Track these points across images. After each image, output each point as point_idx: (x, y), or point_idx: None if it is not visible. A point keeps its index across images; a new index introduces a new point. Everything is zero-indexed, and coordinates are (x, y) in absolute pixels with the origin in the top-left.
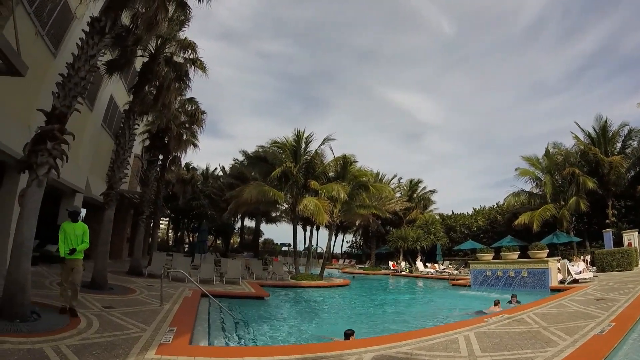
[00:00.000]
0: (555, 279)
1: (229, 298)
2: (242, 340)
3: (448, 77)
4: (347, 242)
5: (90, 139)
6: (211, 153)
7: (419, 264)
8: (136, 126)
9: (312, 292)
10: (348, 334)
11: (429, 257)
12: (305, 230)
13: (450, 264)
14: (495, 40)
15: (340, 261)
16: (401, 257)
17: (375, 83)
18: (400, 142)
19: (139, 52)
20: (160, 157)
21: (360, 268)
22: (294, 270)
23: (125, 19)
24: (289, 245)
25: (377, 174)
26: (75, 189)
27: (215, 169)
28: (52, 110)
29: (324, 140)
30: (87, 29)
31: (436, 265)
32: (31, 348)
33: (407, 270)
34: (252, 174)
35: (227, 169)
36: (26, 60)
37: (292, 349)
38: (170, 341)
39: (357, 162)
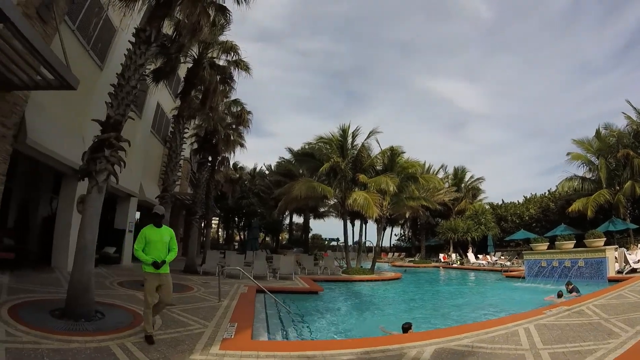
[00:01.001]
0: (612, 268)
1: (284, 293)
2: (300, 335)
3: (490, 63)
4: (395, 235)
5: (141, 145)
6: (255, 152)
7: (470, 255)
8: (185, 130)
9: (365, 286)
10: (406, 328)
11: (480, 248)
12: (353, 225)
13: (502, 255)
14: (535, 23)
15: (390, 254)
16: (451, 249)
17: (415, 73)
18: (444, 132)
19: (183, 59)
20: (209, 158)
21: (410, 261)
22: (345, 265)
23: (167, 28)
24: (337, 240)
25: (423, 164)
26: (130, 193)
27: (261, 167)
28: (107, 120)
29: (370, 133)
30: (131, 39)
31: (488, 256)
32: (98, 346)
33: (458, 262)
34: (300, 170)
35: (272, 166)
36: (75, 74)
37: (353, 342)
38: (232, 336)
39: (404, 153)
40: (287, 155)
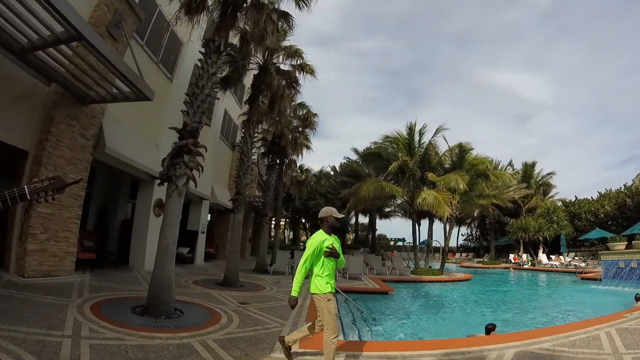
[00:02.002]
0: None
1: (354, 293)
2: (373, 336)
3: (552, 50)
4: (462, 235)
5: (211, 150)
6: (319, 154)
7: (542, 256)
8: (256, 135)
9: (434, 286)
10: (489, 329)
11: (552, 248)
12: (419, 224)
13: (576, 256)
14: (594, 3)
15: (457, 255)
16: (521, 249)
17: (475, 67)
18: (509, 126)
19: (249, 66)
20: (277, 161)
21: (478, 262)
22: (414, 265)
23: (232, 37)
24: (402, 240)
25: (491, 161)
26: (202, 196)
27: (326, 168)
28: (184, 127)
29: (436, 130)
30: (198, 50)
31: (561, 257)
32: (180, 343)
33: (529, 263)
34: (366, 170)
35: (337, 167)
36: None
37: (433, 343)
38: (310, 336)
39: (473, 149)
40: (353, 156)
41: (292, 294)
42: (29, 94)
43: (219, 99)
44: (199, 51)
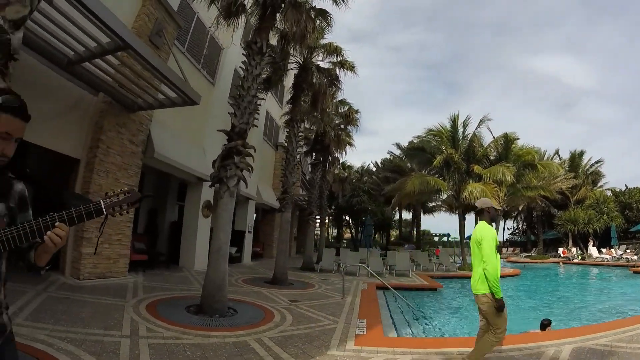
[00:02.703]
0: None
1: (402, 290)
2: (425, 332)
3: (593, 31)
4: (508, 229)
5: (256, 151)
6: (360, 150)
7: (592, 249)
8: (300, 134)
9: None
10: (545, 324)
11: (602, 241)
12: (464, 219)
13: (627, 249)
14: None
15: (504, 250)
16: (570, 242)
17: (514, 54)
18: (552, 114)
19: (290, 66)
20: (321, 159)
21: (525, 256)
22: (461, 261)
23: (271, 38)
24: (447, 235)
25: (538, 151)
26: (248, 197)
27: (368, 165)
28: (232, 129)
29: (480, 121)
30: (236, 54)
31: (612, 250)
32: (236, 341)
33: (579, 257)
34: (409, 165)
35: (379, 163)
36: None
37: None
38: (364, 332)
39: (518, 139)
40: (395, 151)
41: (498, 296)
42: (78, 104)
43: (264, 99)
44: (242, 54)
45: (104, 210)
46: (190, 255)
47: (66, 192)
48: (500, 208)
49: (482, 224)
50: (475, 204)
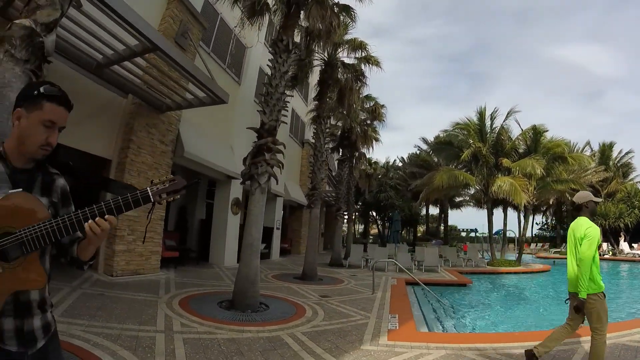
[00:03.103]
0: None
1: (431, 285)
2: (455, 328)
3: (618, 17)
4: (537, 223)
5: (285, 147)
6: (385, 146)
7: (624, 244)
8: (327, 130)
9: (512, 278)
10: None
11: (634, 235)
12: (492, 214)
13: None
14: None
15: (532, 245)
16: (601, 237)
17: (537, 44)
18: (578, 105)
19: (314, 62)
20: (347, 155)
21: (555, 252)
22: (489, 256)
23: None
24: (475, 230)
25: (567, 143)
26: (276, 194)
27: (394, 160)
28: (262, 126)
29: (508, 113)
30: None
31: None
32: (269, 336)
33: (610, 252)
34: (436, 160)
35: (405, 158)
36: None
37: (522, 335)
38: (397, 327)
39: (547, 131)
40: (422, 146)
41: (581, 296)
42: (108, 107)
43: (292, 96)
44: (269, 51)
45: (151, 197)
46: (220, 251)
47: (114, 182)
48: (599, 200)
49: (584, 220)
50: (573, 200)
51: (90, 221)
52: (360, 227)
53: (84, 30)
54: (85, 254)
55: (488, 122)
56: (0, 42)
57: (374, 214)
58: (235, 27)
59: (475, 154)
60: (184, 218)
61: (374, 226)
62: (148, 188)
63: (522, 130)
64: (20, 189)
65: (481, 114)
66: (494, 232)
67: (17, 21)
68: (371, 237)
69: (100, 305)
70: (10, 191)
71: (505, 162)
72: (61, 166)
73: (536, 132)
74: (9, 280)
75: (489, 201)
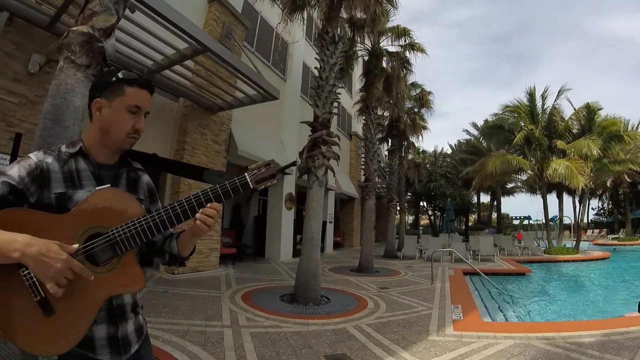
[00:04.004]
0: None
1: (490, 275)
2: (518, 317)
3: None
4: (592, 209)
5: (340, 140)
6: (431, 134)
7: None
8: (377, 121)
9: (571, 266)
10: None
11: None
12: (545, 200)
13: None
14: None
15: (588, 232)
16: None
17: (583, 18)
18: (631, 80)
19: (358, 53)
20: (396, 145)
21: (613, 238)
22: (546, 244)
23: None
24: (528, 217)
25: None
26: (328, 187)
27: (442, 148)
28: (315, 119)
29: (559, 92)
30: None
31: None
32: (335, 328)
33: None
34: (486, 145)
35: (454, 145)
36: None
37: (591, 324)
38: (461, 318)
39: (601, 109)
40: (471, 131)
41: None
42: (162, 111)
43: (344, 87)
44: (312, 46)
45: (249, 183)
46: (276, 247)
47: (207, 170)
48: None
49: None
50: None
51: (201, 210)
52: (410, 218)
53: (133, 38)
54: (187, 249)
55: (539, 103)
56: (59, 50)
57: (424, 204)
58: (279, 23)
59: (528, 137)
60: (238, 216)
61: (424, 216)
62: (246, 174)
63: (574, 109)
64: (108, 185)
65: (531, 95)
66: (550, 218)
67: (74, 28)
68: (421, 227)
69: (166, 302)
70: (97, 188)
71: (560, 143)
72: (146, 158)
73: (590, 111)
74: (105, 285)
75: (543, 186)
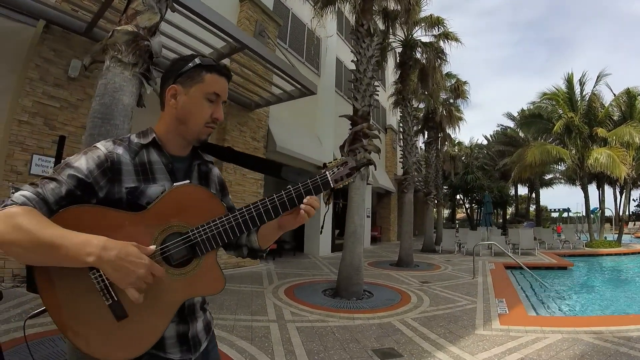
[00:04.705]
0: None
1: (531, 269)
2: (562, 312)
3: None
4: (633, 200)
5: (381, 132)
6: (464, 125)
7: None
8: (414, 113)
9: (614, 260)
10: None
11: None
12: (585, 191)
13: None
14: None
15: (630, 224)
16: None
17: None
18: None
19: (392, 45)
20: (432, 137)
21: None
22: (587, 237)
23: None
24: (568, 210)
25: None
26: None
27: (477, 139)
28: (355, 112)
29: (597, 77)
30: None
31: None
32: (380, 322)
33: None
34: (523, 135)
35: (489, 137)
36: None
37: (637, 318)
38: (507, 312)
39: None
40: (507, 122)
41: None
42: None
43: (381, 79)
44: (352, 38)
45: (330, 182)
46: (315, 242)
47: (286, 167)
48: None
49: None
50: None
51: (305, 201)
52: (446, 212)
53: (169, 38)
54: (269, 242)
55: (577, 89)
56: (103, 51)
57: (461, 197)
58: (312, 18)
59: (568, 125)
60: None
61: (460, 210)
62: (327, 172)
63: (614, 95)
64: (188, 181)
65: (569, 81)
66: (591, 209)
67: (118, 27)
68: (457, 221)
69: (211, 297)
70: (175, 184)
71: (601, 131)
72: (220, 151)
73: (630, 97)
74: (184, 287)
75: (584, 176)
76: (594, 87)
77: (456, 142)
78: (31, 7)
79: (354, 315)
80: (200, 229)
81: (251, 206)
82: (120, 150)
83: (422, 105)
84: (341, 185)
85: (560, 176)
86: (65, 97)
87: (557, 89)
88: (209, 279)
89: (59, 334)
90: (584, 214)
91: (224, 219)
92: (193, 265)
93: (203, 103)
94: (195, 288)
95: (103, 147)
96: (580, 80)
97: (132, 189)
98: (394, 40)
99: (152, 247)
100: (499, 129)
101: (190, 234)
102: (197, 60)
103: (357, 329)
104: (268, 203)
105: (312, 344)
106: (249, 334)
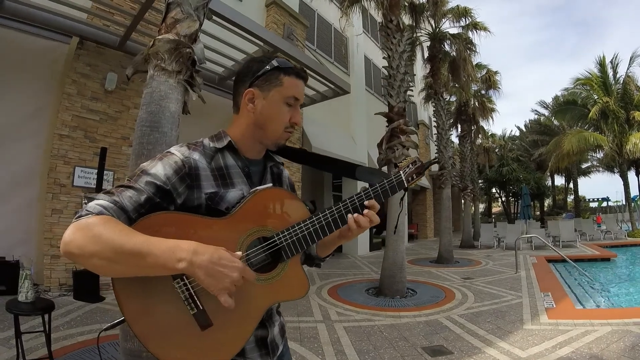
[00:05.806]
0: None
1: (574, 261)
2: (608, 304)
3: None
4: None
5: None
6: (497, 116)
7: None
8: (447, 106)
9: None
10: None
11: None
12: (625, 178)
13: None
14: None
15: None
16: None
17: None
18: None
19: (420, 39)
20: (466, 130)
21: None
22: (628, 227)
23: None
24: (607, 199)
25: None
26: None
27: (511, 130)
28: (390, 109)
29: (630, 58)
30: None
31: None
32: (427, 320)
33: None
34: (558, 123)
35: (523, 127)
36: None
37: None
38: (554, 306)
39: None
40: (540, 110)
41: None
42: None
43: (415, 74)
44: (381, 34)
45: (405, 182)
46: (353, 242)
47: (359, 167)
48: None
49: None
50: None
51: (366, 211)
52: (481, 206)
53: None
54: (329, 250)
55: (610, 72)
56: (145, 60)
57: (497, 190)
58: (340, 18)
59: (603, 110)
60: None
61: (496, 203)
62: (401, 172)
63: None
64: (270, 184)
65: (602, 64)
66: (632, 196)
67: (159, 36)
68: (494, 215)
69: None
70: (258, 187)
71: (638, 115)
72: (295, 153)
73: None
74: (269, 292)
75: (623, 163)
76: (628, 69)
77: (489, 134)
78: (63, 24)
79: (400, 314)
80: (286, 233)
81: (333, 208)
82: (196, 156)
83: (453, 99)
84: (412, 184)
85: (598, 164)
86: (104, 110)
87: (590, 73)
88: (294, 283)
89: (105, 341)
90: (624, 203)
91: (307, 221)
92: (278, 270)
93: (282, 107)
94: (279, 293)
95: (178, 152)
96: (612, 62)
97: (212, 194)
98: (422, 34)
99: (239, 252)
100: (533, 117)
101: (276, 238)
102: (274, 62)
103: (404, 327)
104: (349, 204)
105: (361, 343)
106: (297, 334)
